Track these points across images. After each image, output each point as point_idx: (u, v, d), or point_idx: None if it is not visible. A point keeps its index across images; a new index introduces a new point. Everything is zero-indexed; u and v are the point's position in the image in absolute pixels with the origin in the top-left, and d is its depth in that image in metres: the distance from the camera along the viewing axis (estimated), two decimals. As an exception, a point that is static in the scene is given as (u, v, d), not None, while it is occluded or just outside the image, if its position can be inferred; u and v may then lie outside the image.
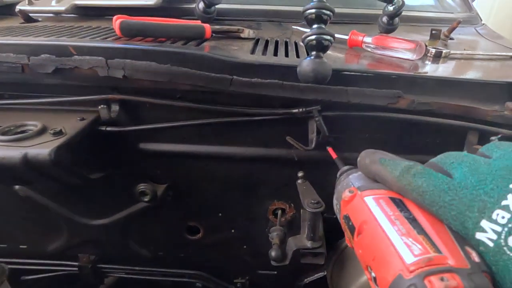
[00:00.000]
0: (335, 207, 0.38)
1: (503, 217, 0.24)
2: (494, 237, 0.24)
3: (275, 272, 0.70)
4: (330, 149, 0.49)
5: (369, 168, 0.34)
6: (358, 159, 0.36)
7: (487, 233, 0.24)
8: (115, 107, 0.52)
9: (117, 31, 0.54)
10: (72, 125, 0.50)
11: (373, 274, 0.28)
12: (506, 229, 0.24)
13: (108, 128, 0.53)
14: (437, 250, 0.25)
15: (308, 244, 0.52)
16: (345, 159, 0.55)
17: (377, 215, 0.29)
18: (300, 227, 0.57)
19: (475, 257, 0.25)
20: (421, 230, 0.27)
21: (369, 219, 0.30)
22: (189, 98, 0.52)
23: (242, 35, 0.64)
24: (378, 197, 0.31)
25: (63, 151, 0.45)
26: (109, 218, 0.64)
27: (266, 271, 0.70)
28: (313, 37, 0.47)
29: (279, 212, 0.62)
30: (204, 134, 0.56)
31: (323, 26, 0.47)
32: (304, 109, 0.49)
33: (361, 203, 0.32)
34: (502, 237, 0.24)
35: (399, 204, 0.30)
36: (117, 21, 0.54)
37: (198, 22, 0.63)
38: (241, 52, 0.55)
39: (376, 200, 0.31)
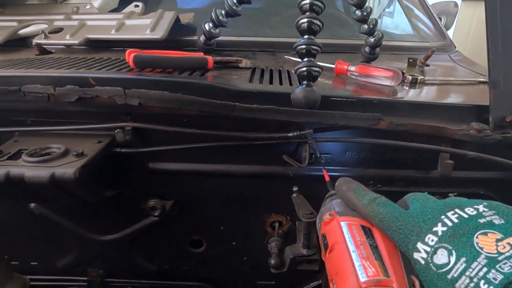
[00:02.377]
0: (317, 225, 0.44)
1: (432, 240, 0.29)
2: (425, 256, 0.29)
3: (273, 282, 0.75)
4: (324, 172, 0.54)
5: (344, 194, 0.41)
6: (336, 184, 0.43)
7: (420, 253, 0.30)
8: (129, 131, 0.58)
9: (131, 64, 0.61)
10: (90, 147, 0.56)
11: (334, 287, 0.34)
12: (433, 249, 0.29)
13: (122, 150, 0.59)
14: (386, 275, 0.31)
15: (304, 251, 0.57)
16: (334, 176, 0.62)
17: (347, 238, 0.35)
18: (296, 238, 0.63)
19: (417, 286, 0.31)
20: (378, 256, 0.33)
21: (340, 240, 0.36)
22: (195, 122, 0.58)
23: (240, 65, 0.72)
24: (351, 223, 0.37)
25: (85, 171, 0.51)
26: (118, 233, 0.69)
27: (265, 281, 0.75)
28: (304, 68, 0.54)
29: (277, 224, 0.68)
30: (208, 154, 0.62)
31: (312, 59, 0.55)
32: (298, 133, 0.56)
33: (337, 226, 0.38)
34: (430, 255, 0.29)
35: (367, 232, 0.36)
36: (130, 55, 0.61)
37: (201, 54, 0.70)
38: (241, 81, 0.62)
39: (349, 226, 0.37)
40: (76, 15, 0.85)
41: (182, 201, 0.67)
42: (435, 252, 0.29)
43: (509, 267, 0.25)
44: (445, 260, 0.28)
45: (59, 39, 0.79)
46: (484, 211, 0.30)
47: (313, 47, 0.55)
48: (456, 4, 1.39)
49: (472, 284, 0.26)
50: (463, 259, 0.27)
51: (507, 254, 0.25)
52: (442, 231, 0.29)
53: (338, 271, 0.34)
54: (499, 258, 0.25)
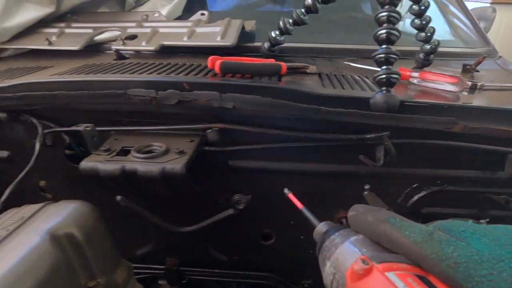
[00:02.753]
0: (328, 280, 0.30)
1: None
2: None
3: None
4: (290, 195, 0.47)
5: (373, 227, 0.29)
6: (351, 213, 0.32)
7: None
8: (218, 131, 0.64)
9: (216, 69, 0.66)
10: (186, 145, 0.61)
11: None
12: None
13: (211, 148, 0.65)
14: None
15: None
16: (405, 175, 0.66)
17: None
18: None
19: None
20: None
21: None
22: (278, 123, 0.63)
23: (308, 71, 0.77)
24: (403, 274, 0.25)
25: (188, 167, 0.57)
26: (195, 225, 0.74)
27: None
28: (384, 76, 0.59)
29: (344, 220, 0.73)
30: (285, 153, 0.68)
31: (391, 67, 0.60)
32: (376, 135, 0.61)
33: (384, 280, 0.25)
34: None
35: (429, 284, 0.25)
36: (216, 61, 0.66)
37: (271, 60, 0.76)
38: (316, 86, 0.67)
39: (402, 278, 0.24)
40: (147, 23, 0.92)
41: (257, 196, 0.72)
42: None
43: None
44: None
45: (135, 45, 0.85)
46: None
47: (391, 55, 0.59)
48: (494, 10, 1.42)
49: None
50: None
51: None
52: None
53: None
54: None
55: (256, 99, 0.59)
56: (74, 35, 0.92)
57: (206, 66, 0.75)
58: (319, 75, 0.76)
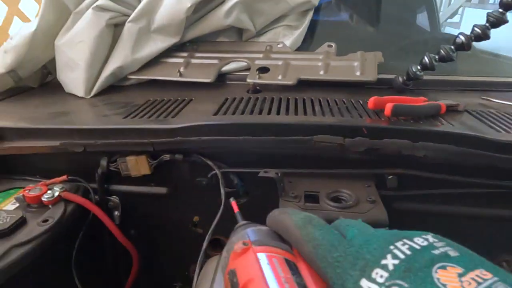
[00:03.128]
0: (222, 261, 0.34)
1: (381, 276, 0.23)
2: None
3: None
4: (233, 203, 0.46)
5: (275, 218, 0.34)
6: (269, 214, 0.36)
7: None
8: (396, 177, 0.64)
9: (387, 112, 0.66)
10: (368, 191, 0.61)
11: None
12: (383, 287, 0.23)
13: (389, 193, 0.64)
14: None
15: None
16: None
17: (267, 274, 0.27)
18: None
19: None
20: None
21: (256, 277, 0.27)
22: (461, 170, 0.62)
23: (458, 109, 0.76)
24: (272, 255, 0.29)
25: (386, 217, 0.56)
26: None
27: None
28: None
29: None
30: (451, 197, 0.67)
31: None
32: None
33: (253, 258, 0.29)
34: None
35: (292, 267, 0.29)
36: (387, 104, 0.66)
37: (423, 99, 0.75)
38: (484, 128, 0.66)
39: (269, 258, 0.29)
40: (274, 54, 0.92)
41: None
42: None
43: None
44: None
45: (270, 79, 0.86)
46: (434, 241, 0.25)
47: None
48: None
49: None
50: None
51: None
52: (394, 265, 0.24)
53: None
54: None
55: (450, 149, 0.58)
56: (201, 66, 0.93)
57: (358, 103, 0.75)
58: (468, 112, 0.75)
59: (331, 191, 0.61)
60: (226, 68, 0.93)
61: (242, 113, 0.70)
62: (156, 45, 0.93)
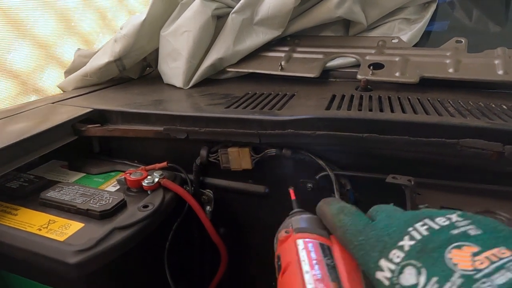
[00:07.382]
0: (274, 246, 0.38)
1: (398, 257, 0.25)
2: (389, 275, 0.24)
3: None
4: (291, 191, 0.48)
5: (319, 207, 0.36)
6: (318, 204, 0.38)
7: (384, 272, 0.25)
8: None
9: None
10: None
11: None
12: (399, 267, 0.24)
13: None
14: None
15: None
16: None
17: (301, 258, 0.31)
18: None
19: None
20: (335, 278, 0.28)
21: (293, 260, 0.31)
22: None
23: None
24: (308, 241, 0.33)
25: None
26: None
27: None
28: None
29: None
30: None
31: None
32: None
33: (292, 244, 0.33)
34: (395, 275, 0.24)
35: (325, 250, 0.32)
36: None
37: None
38: None
39: (305, 243, 0.32)
40: (389, 50, 0.81)
41: None
42: (401, 271, 0.24)
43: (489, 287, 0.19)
44: (413, 281, 0.23)
45: (386, 76, 0.75)
46: (457, 220, 0.25)
47: None
48: None
49: None
50: (435, 278, 0.22)
51: (486, 271, 0.20)
52: (410, 246, 0.25)
53: None
54: (477, 276, 0.20)
55: None
56: (304, 61, 0.86)
57: (503, 107, 0.61)
58: None
59: (482, 210, 0.48)
60: (331, 63, 0.84)
61: (359, 109, 0.61)
62: (258, 37, 0.88)
